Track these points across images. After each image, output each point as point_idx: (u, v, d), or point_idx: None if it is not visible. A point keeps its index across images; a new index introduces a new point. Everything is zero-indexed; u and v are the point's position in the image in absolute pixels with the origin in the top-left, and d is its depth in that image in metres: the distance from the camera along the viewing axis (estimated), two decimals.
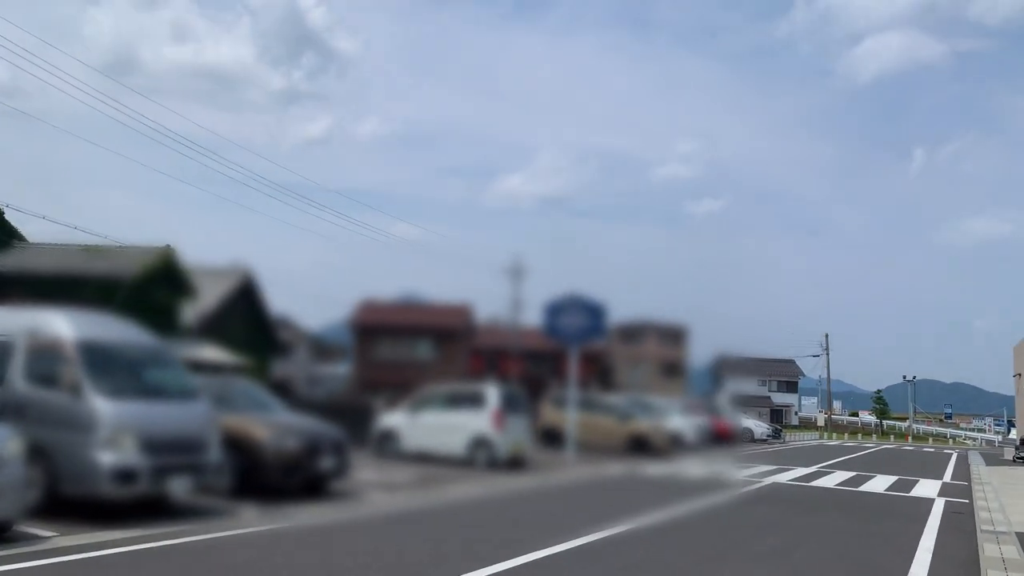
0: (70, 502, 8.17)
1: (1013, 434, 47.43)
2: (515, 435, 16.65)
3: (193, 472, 8.84)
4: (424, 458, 16.64)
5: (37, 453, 8.10)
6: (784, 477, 18.35)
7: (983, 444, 56.62)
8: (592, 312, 20.10)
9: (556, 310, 20.44)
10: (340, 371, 47.31)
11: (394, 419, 17.65)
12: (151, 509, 8.86)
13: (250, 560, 6.97)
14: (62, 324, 8.77)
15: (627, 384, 40.28)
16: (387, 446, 17.41)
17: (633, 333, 50.27)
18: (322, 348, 48.54)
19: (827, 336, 66.90)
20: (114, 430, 8.12)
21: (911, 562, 8.42)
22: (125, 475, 8.05)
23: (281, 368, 35.91)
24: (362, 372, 42.08)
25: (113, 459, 8.01)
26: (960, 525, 11.72)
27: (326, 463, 10.95)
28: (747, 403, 43.72)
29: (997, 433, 64.23)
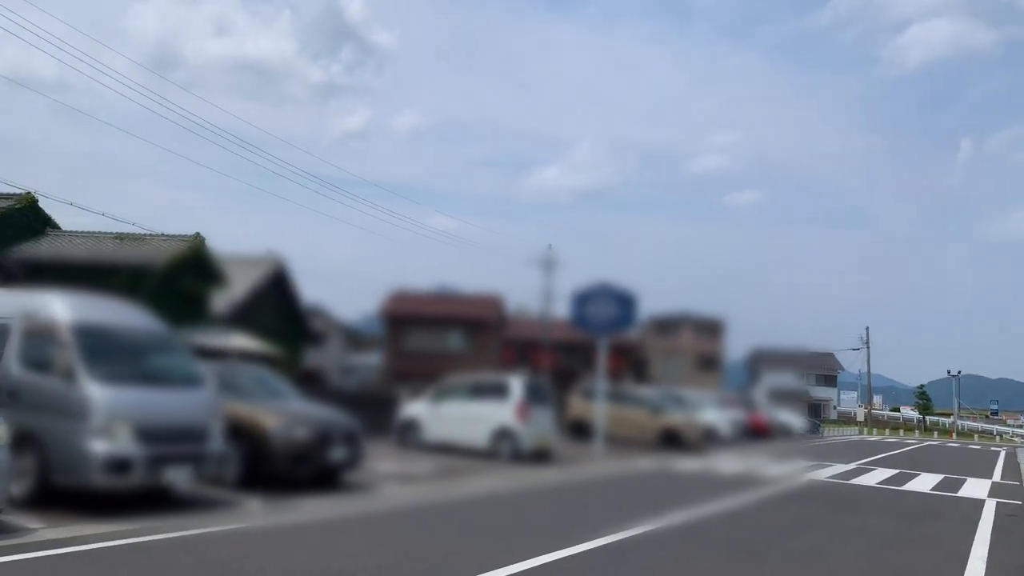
0: (64, 493, 7.83)
1: None
2: (540, 427, 16.10)
3: (193, 462, 8.44)
4: (446, 449, 16.20)
5: (30, 441, 7.78)
6: (822, 474, 17.54)
7: None
8: (622, 301, 19.44)
9: (584, 299, 19.82)
10: (372, 361, 47.32)
11: (416, 409, 17.23)
12: (152, 500, 8.51)
13: (239, 557, 6.52)
14: (59, 306, 8.42)
15: (661, 377, 39.63)
16: (409, 436, 17.00)
17: (668, 326, 49.67)
18: (355, 338, 48.58)
19: (868, 329, 65.24)
20: (108, 418, 7.73)
21: (964, 571, 7.68)
22: (118, 465, 7.67)
23: (314, 358, 35.94)
24: (393, 362, 42.02)
25: (106, 448, 7.62)
26: (1015, 529, 10.90)
27: (337, 453, 10.51)
28: (784, 397, 42.65)
29: None
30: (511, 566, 6.56)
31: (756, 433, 29.48)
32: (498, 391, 16.20)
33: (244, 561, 6.39)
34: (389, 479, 11.99)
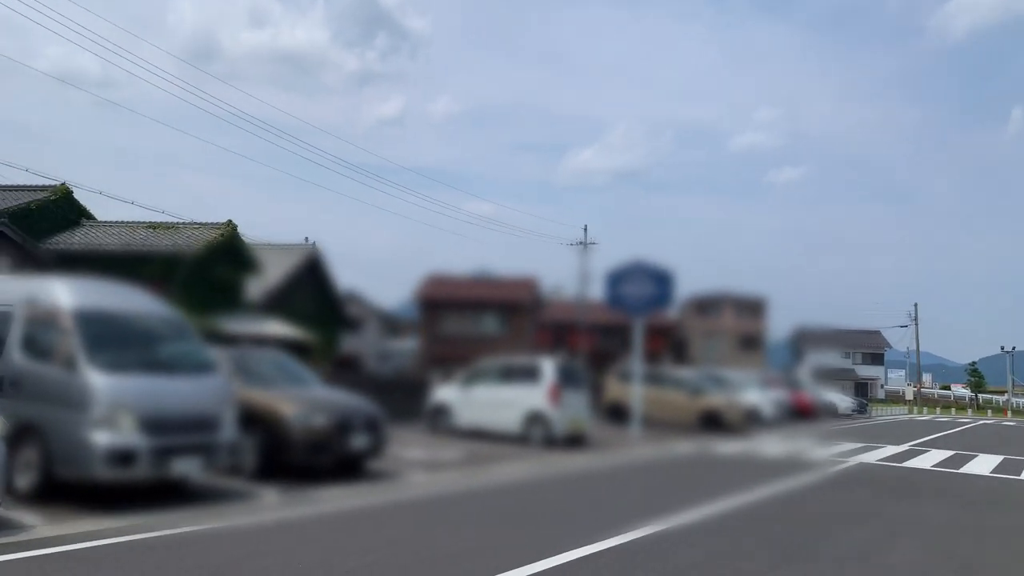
0: (69, 487, 7.49)
1: None
2: (573, 411, 15.52)
3: (204, 453, 8.04)
4: (478, 434, 15.73)
5: (32, 432, 7.45)
6: (872, 456, 16.70)
7: None
8: (658, 279, 18.70)
9: (619, 278, 19.12)
10: (408, 347, 47.19)
11: (447, 394, 16.77)
12: (165, 493, 8.16)
13: (240, 557, 6.08)
14: (61, 292, 8.06)
15: (702, 358, 38.70)
16: (440, 421, 16.56)
17: (708, 305, 48.67)
18: (392, 323, 48.48)
19: (916, 306, 63.36)
20: (110, 407, 7.35)
21: None
22: (122, 456, 7.28)
23: (351, 344, 35.82)
24: (429, 347, 41.79)
25: (108, 439, 7.24)
26: None
27: (359, 441, 10.06)
28: (829, 376, 41.40)
29: None
30: (532, 565, 6.01)
31: (801, 414, 28.56)
32: (530, 374, 15.65)
33: (244, 561, 5.94)
34: (415, 467, 11.53)
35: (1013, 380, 65.93)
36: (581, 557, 6.41)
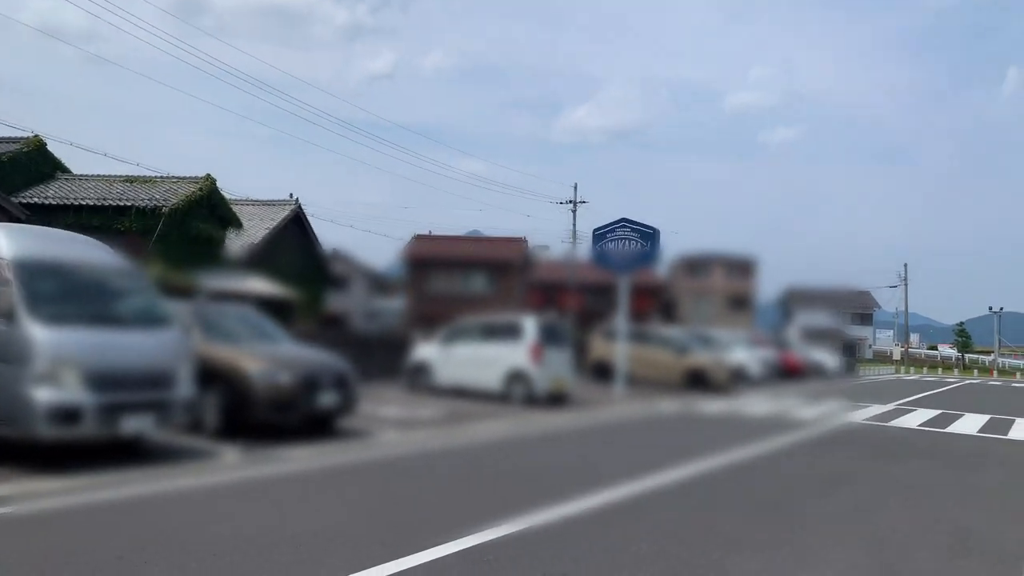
0: (14, 446, 7.08)
1: None
2: (556, 369, 15.17)
3: (156, 410, 7.62)
4: (459, 393, 15.40)
5: None
6: (859, 416, 16.47)
7: None
8: (644, 236, 18.27)
9: (604, 235, 18.68)
10: (396, 306, 46.78)
11: (427, 351, 16.39)
12: (121, 452, 7.76)
13: (183, 523, 5.69)
14: (1, 241, 7.54)
15: (691, 317, 38.48)
16: (419, 379, 16.22)
17: (698, 265, 48.37)
18: (379, 282, 48.02)
19: (906, 267, 63.29)
20: (53, 362, 6.89)
21: (1021, 532, 6.64)
22: (66, 414, 6.84)
23: (337, 302, 35.37)
24: (416, 306, 41.35)
25: (51, 396, 6.79)
26: None
27: (327, 399, 9.67)
28: (818, 336, 41.32)
29: None
30: (495, 528, 5.66)
31: (788, 373, 28.41)
32: (511, 332, 15.27)
33: (186, 527, 5.56)
34: (389, 425, 11.17)
35: (1000, 340, 66.24)
36: (545, 524, 6.05)
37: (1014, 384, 40.11)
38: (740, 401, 18.58)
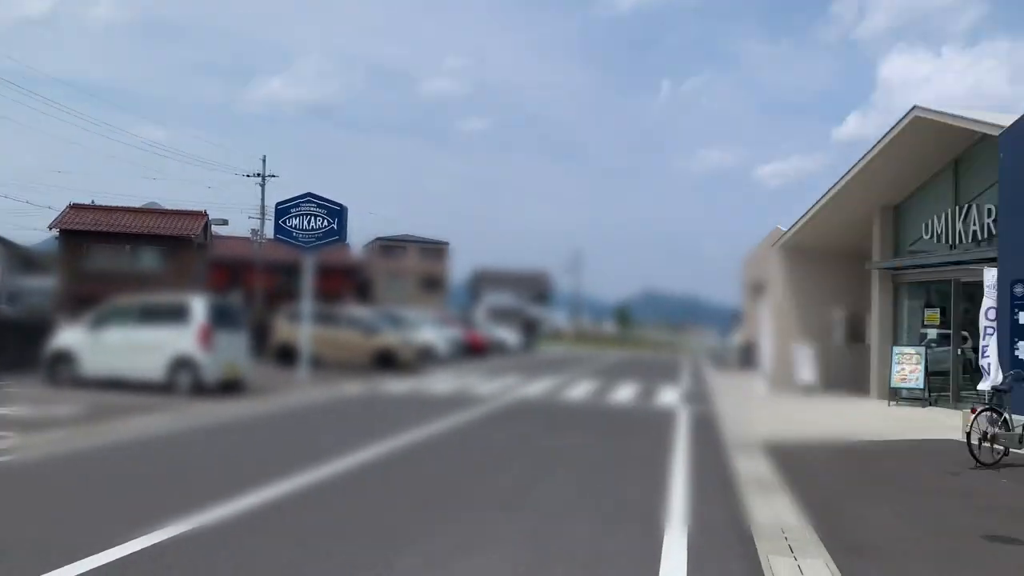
0: None
1: (736, 341, 52.09)
2: (229, 354, 13.93)
3: None
4: (115, 384, 13.46)
5: None
6: (533, 389, 17.45)
7: (709, 350, 62.23)
8: (330, 213, 17.54)
9: (288, 210, 17.63)
10: (48, 285, 40.65)
11: (71, 337, 14.13)
12: None
13: None
14: None
15: (386, 298, 38.51)
16: (61, 371, 13.93)
17: (394, 247, 48.58)
18: (25, 257, 41.34)
19: (578, 252, 69.68)
20: None
21: (668, 495, 7.20)
22: None
23: None
24: (70, 286, 36.21)
25: None
26: (709, 439, 11.10)
27: None
28: (501, 315, 43.69)
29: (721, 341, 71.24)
30: (124, 545, 4.74)
31: (472, 350, 29.54)
32: (176, 314, 13.69)
33: None
34: (11, 428, 9.30)
35: (652, 319, 76.02)
36: (176, 536, 5.24)
37: (661, 357, 46.02)
38: (424, 380, 18.75)
